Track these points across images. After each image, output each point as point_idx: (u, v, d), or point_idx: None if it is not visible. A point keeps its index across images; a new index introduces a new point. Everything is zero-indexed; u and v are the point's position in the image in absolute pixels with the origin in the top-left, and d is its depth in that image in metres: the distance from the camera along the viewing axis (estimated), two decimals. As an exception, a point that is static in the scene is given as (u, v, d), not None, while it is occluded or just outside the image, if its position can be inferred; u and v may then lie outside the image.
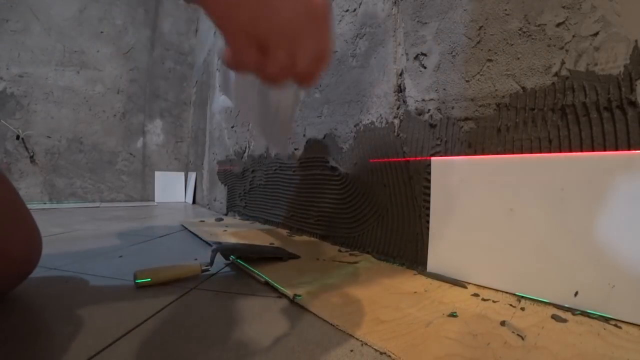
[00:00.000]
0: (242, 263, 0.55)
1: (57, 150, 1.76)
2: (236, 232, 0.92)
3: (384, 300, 0.41)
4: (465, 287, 0.46)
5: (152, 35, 1.91)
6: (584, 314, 0.37)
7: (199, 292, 0.45)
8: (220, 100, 1.52)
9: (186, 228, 0.98)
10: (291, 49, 0.27)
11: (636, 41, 0.37)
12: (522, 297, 0.42)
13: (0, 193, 0.43)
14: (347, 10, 0.78)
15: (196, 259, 0.55)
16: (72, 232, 0.92)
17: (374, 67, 0.71)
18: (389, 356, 0.29)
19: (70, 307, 0.39)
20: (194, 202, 1.94)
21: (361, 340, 0.31)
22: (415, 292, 0.44)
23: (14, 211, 0.44)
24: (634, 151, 0.37)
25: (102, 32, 1.79)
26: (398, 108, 0.65)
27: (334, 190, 0.78)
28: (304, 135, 0.91)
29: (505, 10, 0.49)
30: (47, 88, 1.73)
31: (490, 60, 0.51)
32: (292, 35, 0.26)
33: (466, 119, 0.54)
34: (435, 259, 0.52)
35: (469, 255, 0.48)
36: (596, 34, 0.40)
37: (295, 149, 0.94)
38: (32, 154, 1.69)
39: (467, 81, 0.54)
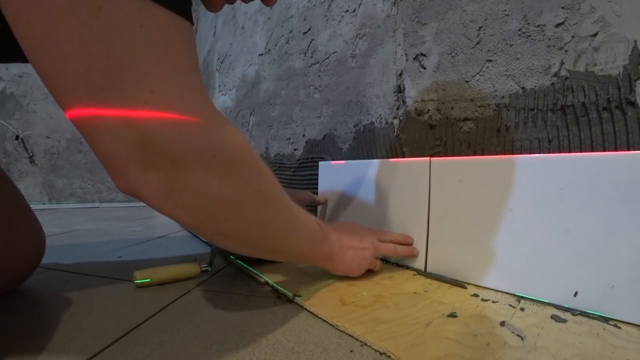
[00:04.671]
0: (242, 263, 0.55)
1: (56, 150, 1.76)
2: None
3: (383, 300, 0.41)
4: (465, 288, 0.46)
5: (152, 35, 1.91)
6: (584, 314, 0.37)
7: (199, 293, 0.45)
8: (220, 101, 1.52)
9: (186, 228, 0.98)
10: None
11: (635, 42, 0.37)
12: (522, 297, 0.42)
13: (5, 190, 0.43)
14: (346, 11, 0.78)
15: (196, 260, 0.55)
16: (71, 232, 0.92)
17: (373, 67, 0.71)
18: (389, 356, 0.29)
19: (70, 307, 0.39)
20: (193, 202, 1.93)
21: (361, 341, 0.31)
22: (414, 293, 0.44)
23: (19, 209, 0.45)
24: (633, 151, 0.37)
25: (101, 32, 1.79)
26: (398, 108, 0.65)
27: (333, 190, 0.78)
28: (304, 136, 0.91)
29: (505, 10, 0.49)
30: (47, 88, 1.73)
31: (489, 61, 0.51)
32: None
33: (466, 119, 0.54)
34: (435, 259, 0.52)
35: (468, 255, 0.48)
36: (595, 34, 0.40)
37: (295, 150, 0.95)
38: (31, 154, 1.69)
39: (466, 82, 0.54)
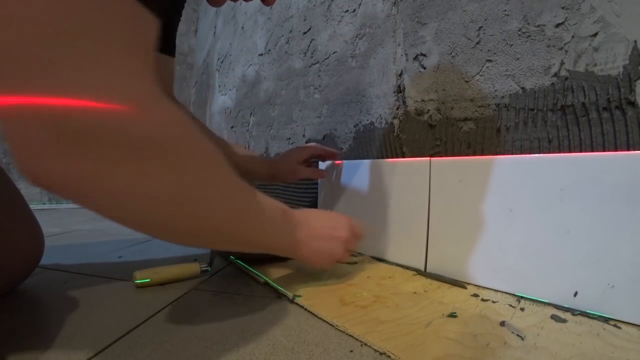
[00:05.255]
0: (242, 263, 0.55)
1: (56, 150, 1.76)
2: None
3: (383, 300, 0.41)
4: (465, 288, 0.46)
5: (152, 35, 1.90)
6: (584, 314, 0.37)
7: (199, 293, 0.44)
8: (220, 101, 1.52)
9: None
10: None
11: (635, 42, 0.37)
12: (522, 297, 0.42)
13: (4, 192, 0.43)
14: (346, 11, 0.78)
15: (196, 260, 0.55)
16: (71, 232, 0.92)
17: (373, 67, 0.71)
18: (389, 356, 0.29)
19: (70, 307, 0.39)
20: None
21: (361, 341, 0.31)
22: (414, 293, 0.44)
23: (18, 209, 0.44)
24: (633, 151, 0.37)
25: (101, 32, 1.79)
26: (397, 108, 0.65)
27: (333, 190, 0.78)
28: (304, 136, 0.91)
29: (505, 10, 0.49)
30: (47, 88, 1.72)
31: (489, 61, 0.51)
32: None
33: (466, 119, 0.54)
34: (435, 259, 0.52)
35: (468, 255, 0.48)
36: (595, 34, 0.40)
37: (295, 150, 0.94)
38: (31, 154, 1.69)
39: (466, 82, 0.54)
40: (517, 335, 0.32)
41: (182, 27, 2.03)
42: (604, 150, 0.40)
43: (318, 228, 0.44)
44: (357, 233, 0.48)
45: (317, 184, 0.80)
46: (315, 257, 0.44)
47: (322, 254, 0.44)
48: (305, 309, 0.39)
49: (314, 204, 0.81)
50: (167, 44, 0.52)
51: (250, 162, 0.66)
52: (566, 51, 0.43)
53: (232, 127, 1.38)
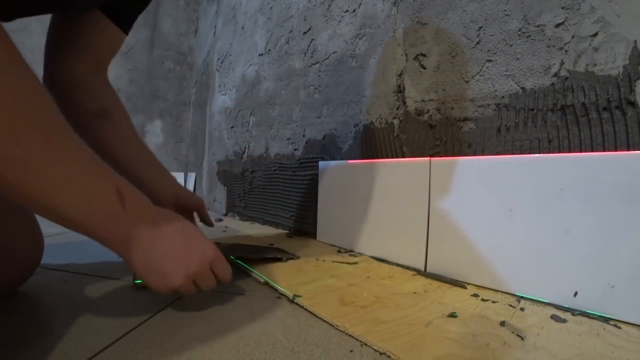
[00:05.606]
0: (242, 263, 0.55)
1: (56, 150, 1.75)
2: (235, 232, 0.92)
3: (383, 300, 0.41)
4: (465, 288, 0.46)
5: (152, 35, 1.91)
6: (584, 314, 0.37)
7: (199, 293, 0.44)
8: (220, 101, 1.52)
9: (186, 228, 0.98)
10: None
11: (635, 42, 0.38)
12: (522, 297, 0.42)
13: None
14: (346, 11, 0.78)
15: (196, 259, 0.55)
16: (70, 232, 0.92)
17: (373, 67, 0.71)
18: (389, 356, 0.29)
19: (70, 307, 0.39)
20: (193, 202, 1.93)
21: (361, 341, 0.31)
22: (414, 293, 0.44)
23: (19, 211, 0.44)
24: (633, 151, 0.37)
25: (101, 32, 1.79)
26: (397, 108, 0.65)
27: (333, 190, 0.77)
28: (304, 136, 0.91)
29: (505, 10, 0.49)
30: (47, 88, 1.72)
31: (489, 61, 0.51)
32: None
33: (466, 119, 0.54)
34: (435, 259, 0.52)
35: (468, 255, 0.48)
36: (595, 34, 0.40)
37: (295, 150, 0.94)
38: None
39: (466, 82, 0.54)
40: (517, 335, 0.32)
41: (182, 27, 2.03)
42: (604, 150, 0.40)
43: (169, 239, 0.34)
44: (218, 273, 0.38)
45: (316, 183, 0.80)
46: (147, 270, 0.33)
47: (158, 271, 0.33)
48: (305, 309, 0.39)
49: (314, 200, 0.82)
50: (119, 15, 0.50)
51: (161, 182, 0.59)
52: (566, 51, 0.43)
53: (232, 127, 1.38)
